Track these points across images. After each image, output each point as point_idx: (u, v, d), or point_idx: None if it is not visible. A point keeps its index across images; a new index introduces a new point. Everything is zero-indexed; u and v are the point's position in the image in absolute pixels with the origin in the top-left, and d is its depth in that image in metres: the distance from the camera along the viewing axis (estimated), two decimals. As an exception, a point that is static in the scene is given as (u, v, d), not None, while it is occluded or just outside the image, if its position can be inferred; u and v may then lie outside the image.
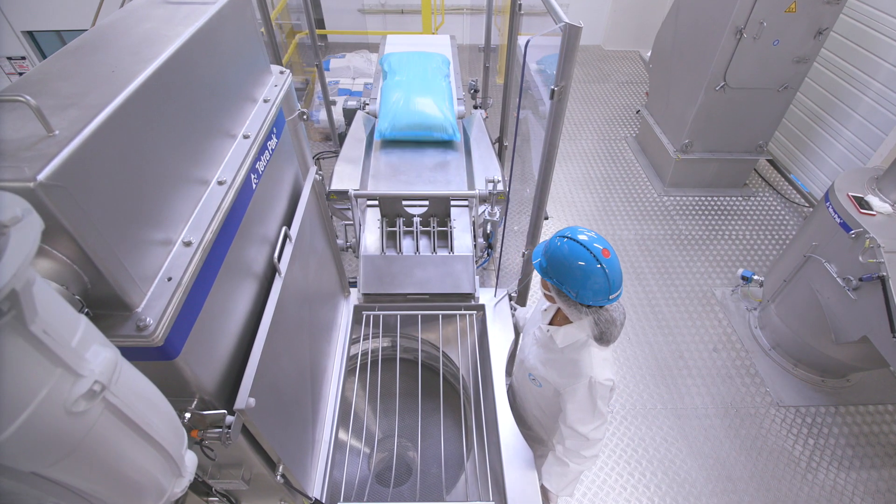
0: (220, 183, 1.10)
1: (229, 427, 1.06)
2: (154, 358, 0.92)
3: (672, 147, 4.79)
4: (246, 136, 1.25)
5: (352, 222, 2.36)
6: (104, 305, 0.82)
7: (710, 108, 4.35)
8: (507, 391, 2.10)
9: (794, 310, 3.27)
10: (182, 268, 0.91)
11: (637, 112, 6.07)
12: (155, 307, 0.84)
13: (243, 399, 1.08)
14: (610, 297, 1.44)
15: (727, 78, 4.13)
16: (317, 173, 1.79)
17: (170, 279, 0.89)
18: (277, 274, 1.38)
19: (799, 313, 3.23)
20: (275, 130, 1.50)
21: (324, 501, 1.70)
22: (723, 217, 4.71)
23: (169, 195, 0.95)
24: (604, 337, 1.49)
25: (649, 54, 5.26)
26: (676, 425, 3.17)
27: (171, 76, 0.98)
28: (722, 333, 3.71)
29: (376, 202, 2.41)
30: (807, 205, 4.74)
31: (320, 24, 7.15)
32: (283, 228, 1.45)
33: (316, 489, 1.71)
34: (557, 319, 1.76)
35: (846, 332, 2.87)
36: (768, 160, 5.17)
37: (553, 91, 1.70)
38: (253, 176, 1.32)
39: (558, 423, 1.75)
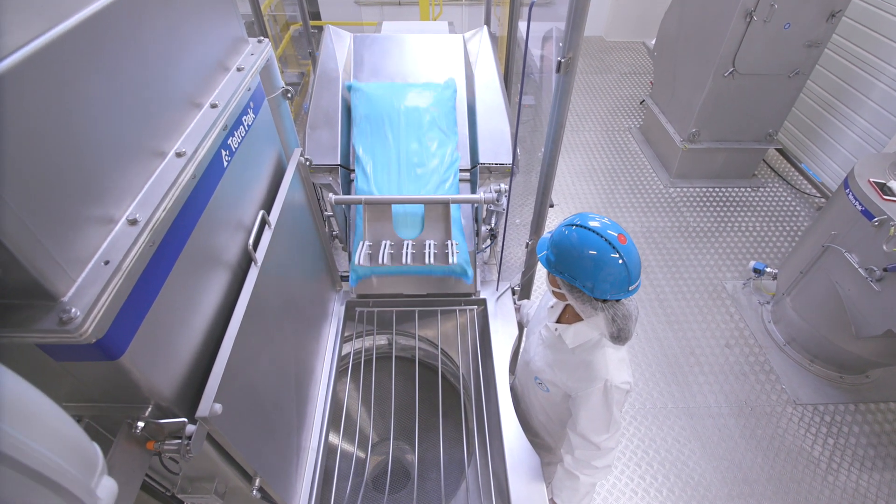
0: (178, 155, 0.95)
1: (190, 438, 0.91)
2: (93, 357, 0.77)
3: (679, 137, 4.63)
4: (214, 106, 1.10)
5: (332, 214, 2.18)
6: (21, 294, 0.67)
7: (719, 96, 4.19)
8: (510, 393, 1.95)
9: (811, 303, 3.11)
10: (123, 250, 0.76)
11: (641, 102, 5.91)
12: (85, 296, 0.69)
13: (207, 405, 0.93)
14: (629, 289, 1.29)
15: (736, 63, 3.97)
16: (302, 156, 1.64)
17: (107, 263, 0.73)
18: (253, 263, 1.23)
19: (816, 306, 3.07)
20: (252, 105, 1.35)
21: (311, 514, 1.55)
22: (732, 209, 4.55)
23: (109, 163, 0.80)
24: (621, 335, 1.34)
25: (654, 42, 5.10)
26: (689, 425, 3.02)
27: (115, 23, 0.82)
28: (734, 328, 3.56)
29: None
30: (819, 195, 4.58)
31: (315, 16, 6.99)
32: (261, 213, 1.30)
33: (302, 499, 1.56)
34: (566, 317, 1.61)
35: (868, 326, 2.72)
36: (778, 149, 5.00)
37: (560, 63, 1.55)
38: (224, 152, 1.17)
39: (566, 429, 1.61)
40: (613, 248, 1.25)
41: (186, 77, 1.05)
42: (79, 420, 0.91)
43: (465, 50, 2.62)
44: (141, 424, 0.90)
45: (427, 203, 2.03)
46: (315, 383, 1.83)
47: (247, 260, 1.26)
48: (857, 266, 2.68)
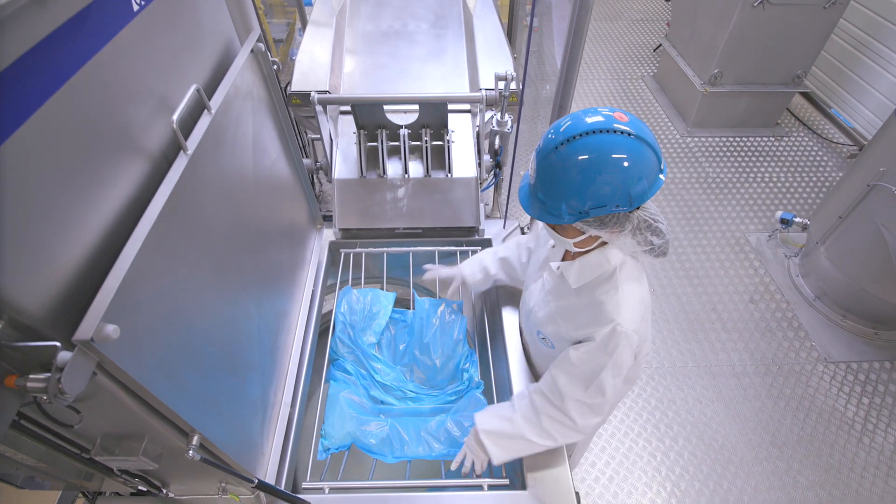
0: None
1: (62, 370, 0.61)
2: None
3: (699, 80, 4.24)
4: None
5: (319, 137, 1.87)
6: None
7: (745, 30, 3.78)
8: (523, 347, 1.67)
9: (850, 251, 2.81)
10: None
11: (656, 49, 5.47)
12: None
13: (92, 324, 0.63)
14: (661, 168, 0.99)
15: (767, -9, 3.55)
16: (259, 41, 1.30)
17: None
18: (182, 151, 0.91)
19: (856, 255, 2.77)
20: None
21: (282, 481, 1.28)
22: (754, 159, 4.20)
23: None
24: (665, 243, 1.05)
25: (671, -23, 4.65)
26: (711, 385, 2.76)
27: None
28: (759, 283, 3.27)
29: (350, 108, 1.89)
30: (850, 143, 4.23)
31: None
32: (195, 87, 0.97)
33: (272, 462, 1.29)
34: (569, 253, 1.28)
35: (919, 273, 2.43)
36: (803, 94, 4.61)
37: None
38: (132, -9, 0.84)
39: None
40: (629, 134, 0.92)
41: None
42: None
43: None
44: (-13, 349, 0.61)
45: (422, 102, 1.76)
46: (290, 329, 1.54)
47: (175, 149, 0.94)
48: (910, 205, 2.37)
